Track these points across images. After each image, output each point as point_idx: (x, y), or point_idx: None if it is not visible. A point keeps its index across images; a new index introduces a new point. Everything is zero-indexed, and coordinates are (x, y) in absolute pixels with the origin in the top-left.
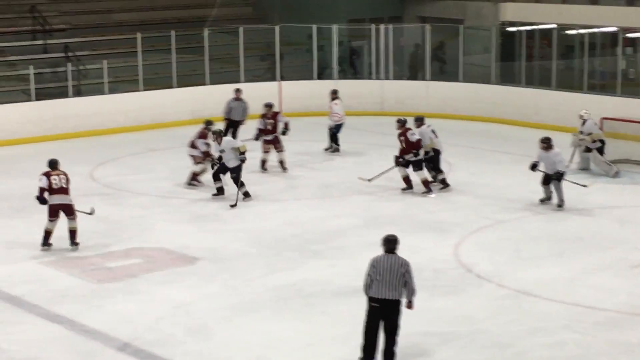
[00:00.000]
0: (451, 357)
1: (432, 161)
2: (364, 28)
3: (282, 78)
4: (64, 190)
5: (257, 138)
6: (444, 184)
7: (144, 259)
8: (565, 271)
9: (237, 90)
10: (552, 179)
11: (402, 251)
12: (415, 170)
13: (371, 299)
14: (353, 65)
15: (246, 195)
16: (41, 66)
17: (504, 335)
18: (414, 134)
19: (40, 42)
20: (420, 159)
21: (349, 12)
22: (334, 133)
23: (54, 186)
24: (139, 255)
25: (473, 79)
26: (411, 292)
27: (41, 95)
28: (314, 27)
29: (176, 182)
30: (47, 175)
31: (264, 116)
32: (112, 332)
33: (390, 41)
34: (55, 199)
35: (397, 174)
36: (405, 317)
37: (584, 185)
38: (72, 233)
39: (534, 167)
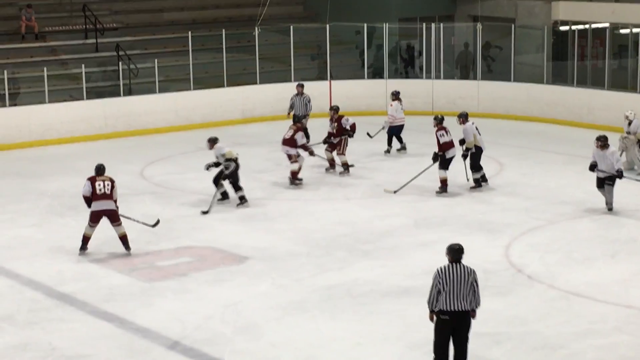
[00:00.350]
0: (501, 358)
1: (473, 159)
2: (414, 27)
3: (332, 77)
4: (107, 197)
5: (325, 141)
6: (478, 183)
7: (193, 258)
8: (618, 273)
9: (299, 85)
10: (615, 177)
11: None
12: (439, 167)
13: (440, 312)
14: (407, 64)
15: (242, 199)
16: (93, 65)
17: (555, 336)
18: (443, 135)
19: (92, 41)
20: (446, 159)
21: (400, 11)
22: (389, 134)
23: (98, 192)
24: (188, 254)
25: (525, 79)
26: (477, 302)
27: (92, 94)
28: (365, 25)
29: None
30: (92, 180)
31: (330, 119)
32: (161, 330)
33: (441, 40)
34: (98, 205)
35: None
36: None
37: None
38: (123, 239)
39: (592, 167)
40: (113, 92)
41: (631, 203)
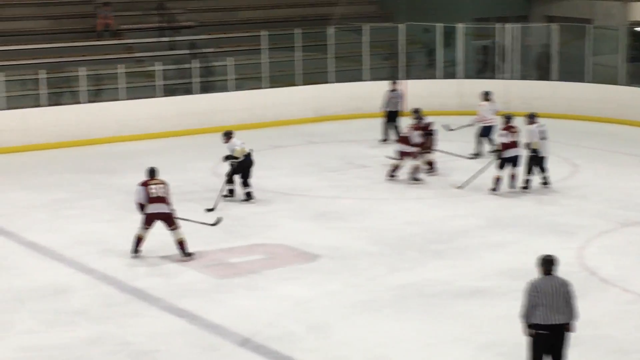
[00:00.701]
0: None
1: (531, 161)
2: (489, 27)
3: (406, 77)
4: (162, 200)
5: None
6: (526, 185)
7: (265, 255)
8: None
9: (393, 82)
10: None
11: (524, 253)
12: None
13: (537, 326)
14: (482, 65)
15: (248, 196)
16: (167, 63)
17: (629, 341)
18: (505, 136)
19: (167, 39)
20: (502, 158)
21: (475, 11)
22: (479, 136)
23: (152, 195)
24: (261, 252)
25: (601, 80)
26: (574, 314)
27: (167, 91)
28: (439, 25)
29: (298, 179)
30: (145, 184)
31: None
32: (232, 327)
33: (516, 41)
34: (153, 208)
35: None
36: None
37: None
38: (181, 244)
39: None
40: (187, 90)
41: None
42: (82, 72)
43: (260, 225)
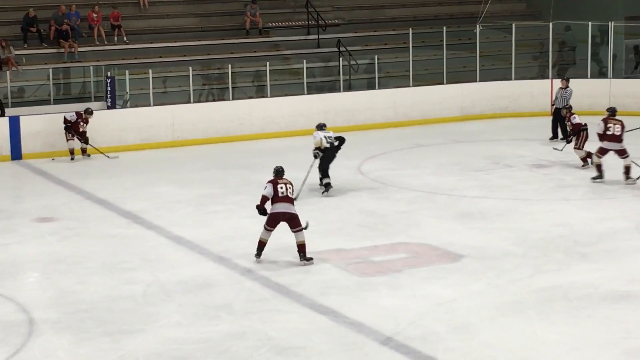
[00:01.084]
0: None
1: None
2: None
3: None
4: (289, 199)
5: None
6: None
7: (408, 254)
8: None
9: (564, 80)
10: None
11: None
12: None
13: None
14: (637, 64)
15: (327, 186)
16: (314, 60)
17: None
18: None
19: (313, 37)
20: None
21: (627, 9)
22: None
23: (280, 194)
24: (403, 250)
25: None
26: None
27: (313, 89)
28: (590, 24)
29: (443, 178)
30: (274, 183)
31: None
32: (374, 325)
33: None
34: (279, 207)
35: None
36: None
37: None
38: (301, 247)
39: None
40: (333, 88)
41: None
42: (230, 69)
43: (403, 224)
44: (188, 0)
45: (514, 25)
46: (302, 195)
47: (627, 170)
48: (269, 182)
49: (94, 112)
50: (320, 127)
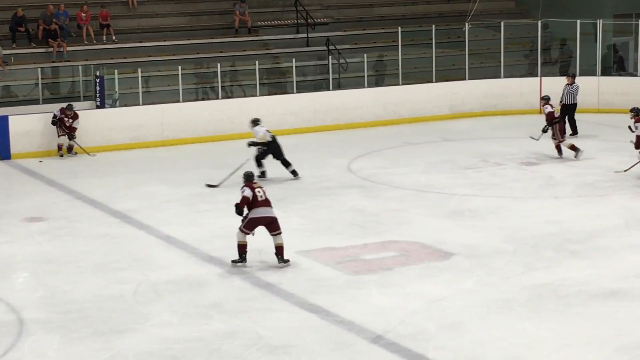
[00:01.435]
0: None
1: None
2: (629, 23)
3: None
4: (269, 203)
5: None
6: None
7: (399, 252)
8: None
9: (570, 76)
10: None
11: None
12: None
13: None
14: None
15: (294, 174)
16: (303, 59)
17: None
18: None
19: (303, 35)
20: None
21: (615, 7)
22: None
23: (259, 198)
24: (394, 249)
25: None
26: None
27: (302, 87)
28: (578, 22)
29: (433, 176)
30: (251, 187)
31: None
32: (365, 323)
33: None
34: (261, 212)
35: None
36: None
37: None
38: (280, 249)
39: None
40: (322, 86)
41: None
42: (219, 68)
43: (394, 222)
44: None
45: (502, 23)
46: (291, 194)
47: None
48: (246, 186)
49: (73, 107)
50: (256, 122)
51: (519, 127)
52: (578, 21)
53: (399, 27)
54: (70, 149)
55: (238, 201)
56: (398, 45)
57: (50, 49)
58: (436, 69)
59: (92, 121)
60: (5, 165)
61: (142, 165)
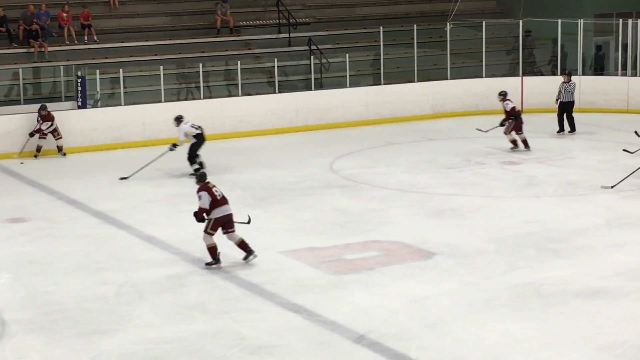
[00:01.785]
0: None
1: None
2: (610, 23)
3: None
4: (226, 200)
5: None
6: None
7: (381, 252)
8: None
9: (567, 74)
10: None
11: None
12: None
13: None
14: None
15: (201, 165)
16: (285, 59)
17: None
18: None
19: (284, 35)
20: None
21: (596, 7)
22: None
23: (218, 197)
24: (376, 248)
25: None
26: None
27: (284, 87)
28: (559, 21)
29: (415, 176)
30: (207, 189)
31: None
32: (348, 323)
33: (638, 36)
34: (224, 210)
35: None
36: None
37: None
38: (242, 244)
39: None
40: (304, 86)
41: None
42: (201, 68)
43: (376, 222)
44: None
45: (484, 23)
46: (274, 194)
47: None
48: (202, 190)
49: (46, 107)
50: (180, 119)
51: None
52: (559, 21)
53: (381, 27)
54: (38, 149)
55: (197, 209)
56: (380, 45)
57: (32, 49)
58: (418, 69)
59: (73, 121)
60: None
61: (124, 165)
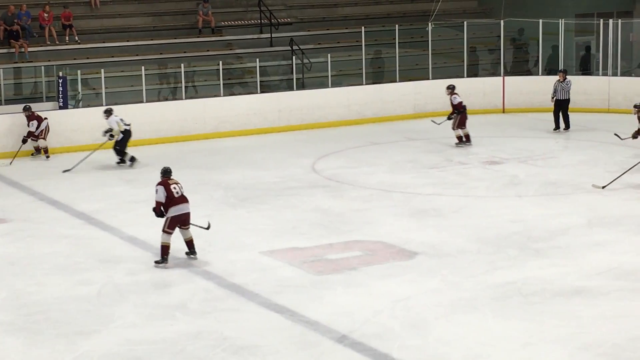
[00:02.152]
0: None
1: None
2: (591, 23)
3: (507, 73)
4: (186, 199)
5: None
6: None
7: (364, 252)
8: None
9: (562, 72)
10: None
11: (627, 253)
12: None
13: None
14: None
15: (118, 163)
16: (267, 59)
17: None
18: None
19: (266, 35)
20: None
21: (577, 7)
22: None
23: (175, 194)
24: (359, 248)
25: None
26: None
27: (266, 87)
28: (540, 21)
29: (397, 176)
30: (165, 185)
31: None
32: (330, 323)
33: (619, 36)
34: (181, 208)
35: (631, 175)
36: None
37: None
38: (190, 243)
39: None
40: (287, 86)
41: None
42: (183, 68)
43: (359, 222)
44: None
45: (465, 23)
46: (256, 195)
47: None
48: (160, 184)
49: (30, 108)
50: (109, 112)
51: (482, 126)
52: (540, 21)
53: (363, 27)
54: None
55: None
56: (362, 45)
57: (12, 50)
58: (399, 69)
59: (55, 122)
60: None
61: (106, 166)
